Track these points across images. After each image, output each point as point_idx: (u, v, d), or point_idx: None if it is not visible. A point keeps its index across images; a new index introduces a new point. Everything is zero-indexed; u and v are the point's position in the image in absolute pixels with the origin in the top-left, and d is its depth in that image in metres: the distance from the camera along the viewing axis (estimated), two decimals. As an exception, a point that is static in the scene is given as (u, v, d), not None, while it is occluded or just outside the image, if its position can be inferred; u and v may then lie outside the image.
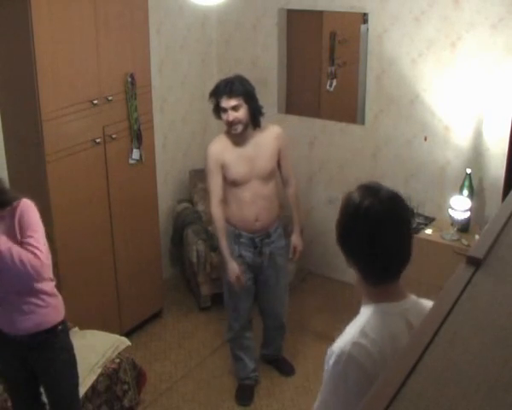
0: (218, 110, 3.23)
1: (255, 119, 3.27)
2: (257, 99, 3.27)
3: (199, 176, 4.84)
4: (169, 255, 4.91)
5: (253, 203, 3.31)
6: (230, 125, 3.19)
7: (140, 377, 3.52)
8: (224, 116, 3.19)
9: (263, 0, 4.68)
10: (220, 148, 3.27)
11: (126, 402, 3.41)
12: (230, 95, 3.14)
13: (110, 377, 3.29)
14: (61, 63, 3.34)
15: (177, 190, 4.91)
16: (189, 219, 4.59)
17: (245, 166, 3.27)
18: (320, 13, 4.86)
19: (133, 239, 4.00)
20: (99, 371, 3.22)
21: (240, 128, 3.20)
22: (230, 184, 3.28)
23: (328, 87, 5.01)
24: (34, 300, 2.53)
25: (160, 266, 4.34)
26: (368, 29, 4.36)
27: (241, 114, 3.18)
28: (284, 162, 3.44)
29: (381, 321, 1.57)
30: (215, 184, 3.28)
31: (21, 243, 2.41)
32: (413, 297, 1.66)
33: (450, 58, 3.96)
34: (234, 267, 3.31)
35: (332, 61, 5.08)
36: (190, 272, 4.55)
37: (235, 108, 3.16)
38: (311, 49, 5.11)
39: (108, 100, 3.63)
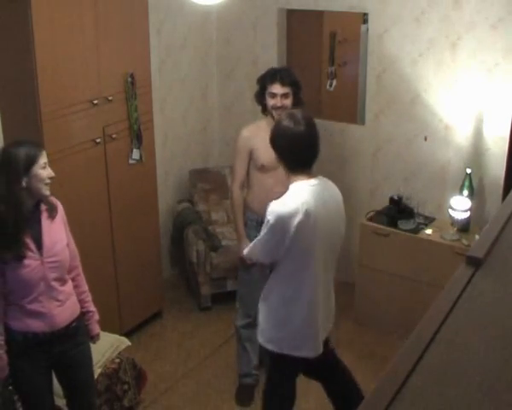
0: (262, 95, 3.39)
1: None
2: (301, 90, 3.43)
3: (199, 176, 4.85)
4: (169, 255, 4.91)
5: (276, 190, 3.37)
6: (277, 109, 3.33)
7: (140, 377, 3.52)
8: (272, 101, 3.33)
9: (263, 0, 4.68)
10: (252, 132, 3.41)
11: (126, 402, 3.41)
12: (283, 83, 3.32)
13: (110, 377, 3.29)
14: (61, 63, 3.34)
15: (177, 190, 4.91)
16: (189, 219, 4.59)
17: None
18: (320, 13, 4.86)
19: (133, 239, 4.00)
20: (99, 371, 3.22)
21: None
22: (258, 168, 3.40)
23: (328, 87, 5.02)
24: (67, 288, 2.63)
25: (159, 266, 4.34)
26: (368, 29, 4.36)
27: (289, 102, 3.34)
28: None
29: (299, 191, 2.56)
30: (240, 167, 3.45)
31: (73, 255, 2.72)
32: (322, 178, 2.66)
33: (450, 58, 3.96)
34: (247, 244, 3.38)
35: (332, 61, 5.09)
36: (190, 272, 4.55)
37: (284, 96, 3.32)
38: (311, 49, 5.11)
39: (108, 100, 3.63)
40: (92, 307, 2.82)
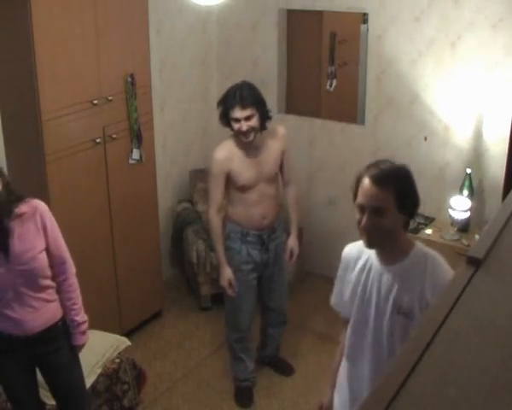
0: (226, 118, 3.20)
1: (264, 123, 3.27)
2: (266, 104, 3.26)
3: (199, 176, 4.84)
4: (169, 255, 4.90)
5: (260, 204, 3.32)
6: (243, 134, 3.17)
7: (140, 377, 3.52)
8: (236, 126, 3.16)
9: (263, 0, 4.68)
10: (227, 155, 3.24)
11: (126, 402, 3.41)
12: (244, 106, 3.11)
13: (110, 377, 3.29)
14: (61, 63, 3.34)
15: (177, 190, 4.91)
16: (189, 219, 4.60)
17: (253, 171, 3.26)
18: (320, 13, 4.86)
19: (133, 239, 4.00)
20: (99, 371, 3.22)
21: (252, 136, 3.19)
22: (238, 188, 3.28)
23: (328, 87, 5.01)
24: (44, 295, 2.56)
25: (159, 267, 4.34)
26: (368, 29, 4.36)
27: (254, 122, 3.16)
28: (287, 163, 3.44)
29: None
30: (216, 192, 3.28)
31: (57, 262, 2.58)
32: None
33: (449, 58, 3.96)
34: (228, 272, 3.34)
35: (332, 61, 5.08)
36: (190, 272, 4.55)
37: (248, 118, 3.14)
38: (311, 49, 5.11)
39: (108, 100, 3.63)
40: (78, 317, 2.65)
